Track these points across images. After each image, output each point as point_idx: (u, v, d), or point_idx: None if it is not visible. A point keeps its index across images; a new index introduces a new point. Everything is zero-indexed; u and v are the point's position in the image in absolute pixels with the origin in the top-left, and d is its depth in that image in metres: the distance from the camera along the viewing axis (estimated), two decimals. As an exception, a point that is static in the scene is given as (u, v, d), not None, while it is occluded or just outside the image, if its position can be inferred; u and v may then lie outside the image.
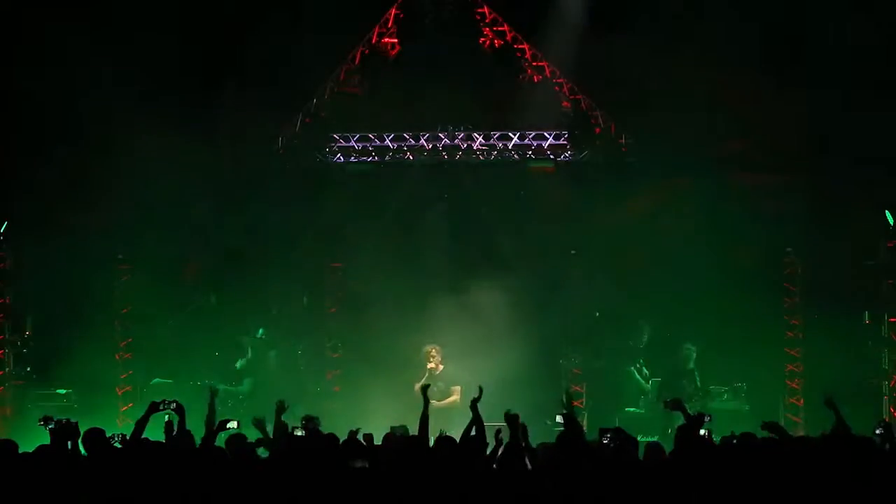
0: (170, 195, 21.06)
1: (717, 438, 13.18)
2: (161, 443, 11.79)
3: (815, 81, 21.01)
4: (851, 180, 21.21)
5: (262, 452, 12.37)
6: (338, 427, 13.61)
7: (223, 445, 11.82)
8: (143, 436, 11.81)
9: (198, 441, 12.23)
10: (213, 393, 13.43)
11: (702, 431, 12.24)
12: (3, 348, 21.87)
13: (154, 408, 12.34)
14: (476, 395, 12.79)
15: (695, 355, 20.66)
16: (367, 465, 11.02)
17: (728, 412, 19.99)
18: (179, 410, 12.52)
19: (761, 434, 11.67)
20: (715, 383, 20.87)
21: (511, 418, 11.87)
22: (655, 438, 15.89)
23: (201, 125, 21.63)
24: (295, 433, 12.65)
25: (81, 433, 11.89)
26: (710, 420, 12.44)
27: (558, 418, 12.03)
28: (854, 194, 21.28)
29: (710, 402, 20.16)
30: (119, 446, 11.93)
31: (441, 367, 19.43)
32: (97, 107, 20.90)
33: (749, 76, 21.19)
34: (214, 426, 12.40)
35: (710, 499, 10.10)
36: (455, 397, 19.24)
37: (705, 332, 21.06)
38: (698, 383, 20.49)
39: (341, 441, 12.22)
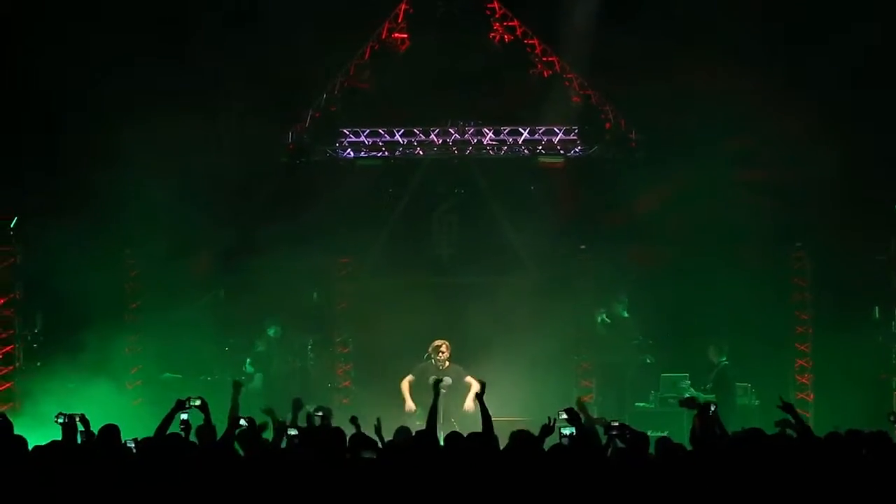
0: (179, 190, 21.05)
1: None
2: (178, 438, 11.74)
3: (824, 77, 20.97)
4: (861, 175, 21.19)
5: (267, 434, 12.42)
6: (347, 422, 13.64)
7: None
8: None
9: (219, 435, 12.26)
10: (237, 387, 13.43)
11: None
12: (14, 343, 21.90)
13: (180, 405, 12.37)
14: (479, 391, 12.77)
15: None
16: (374, 457, 11.03)
17: (738, 408, 19.97)
18: (204, 408, 12.55)
19: (771, 430, 11.66)
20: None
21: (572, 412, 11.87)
22: (665, 433, 15.84)
23: (211, 120, 21.65)
24: (289, 431, 12.58)
25: (91, 427, 11.93)
26: (714, 409, 12.38)
27: (563, 415, 11.94)
28: (864, 189, 21.26)
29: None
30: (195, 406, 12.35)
31: (448, 364, 19.30)
32: (106, 102, 20.95)
33: (758, 72, 21.18)
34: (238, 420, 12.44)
35: (725, 493, 10.08)
36: (475, 388, 19.13)
37: (714, 328, 21.03)
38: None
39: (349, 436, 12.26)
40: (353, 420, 13.30)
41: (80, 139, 21.34)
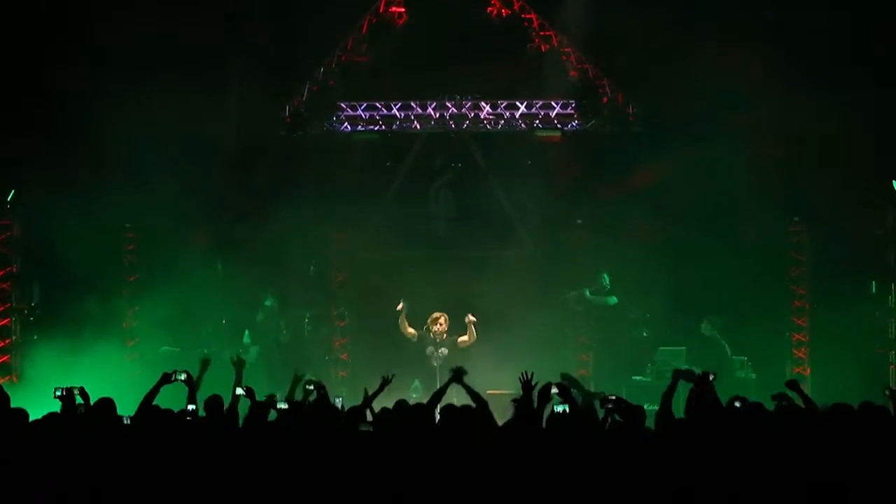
0: (177, 164, 21.01)
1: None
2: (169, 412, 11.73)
3: (824, 53, 20.93)
4: (859, 150, 21.16)
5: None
6: (344, 395, 13.68)
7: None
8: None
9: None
10: (240, 365, 13.38)
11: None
12: (11, 316, 21.93)
13: (165, 378, 12.34)
14: (460, 373, 12.62)
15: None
16: (370, 430, 11.04)
17: (735, 381, 20.00)
18: (189, 382, 12.53)
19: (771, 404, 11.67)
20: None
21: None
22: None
23: (209, 94, 21.59)
24: (279, 405, 12.54)
25: (91, 401, 11.94)
26: (714, 378, 12.32)
27: (553, 389, 11.89)
28: (862, 164, 21.24)
29: None
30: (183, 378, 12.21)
31: (445, 336, 19.46)
32: (105, 75, 20.90)
33: (757, 46, 21.13)
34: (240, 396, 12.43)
35: (724, 466, 10.10)
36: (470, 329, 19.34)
37: (711, 302, 21.05)
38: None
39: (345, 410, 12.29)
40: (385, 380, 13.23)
41: (78, 112, 21.27)
